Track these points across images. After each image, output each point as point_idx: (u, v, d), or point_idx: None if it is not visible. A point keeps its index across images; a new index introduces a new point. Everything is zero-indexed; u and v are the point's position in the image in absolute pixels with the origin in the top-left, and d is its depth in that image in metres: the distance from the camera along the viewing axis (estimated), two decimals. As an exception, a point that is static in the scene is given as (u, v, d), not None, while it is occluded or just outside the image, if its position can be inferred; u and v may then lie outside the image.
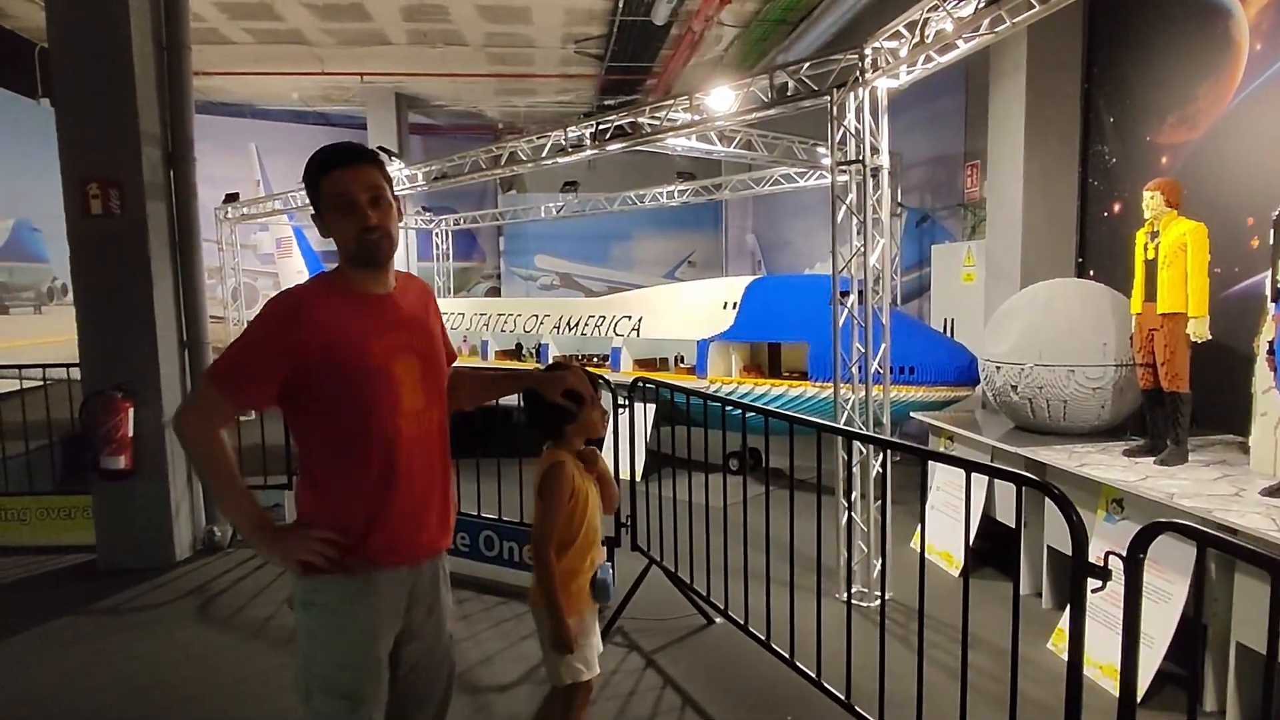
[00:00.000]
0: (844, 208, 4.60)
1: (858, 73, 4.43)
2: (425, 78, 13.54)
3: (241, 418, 2.37)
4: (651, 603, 4.48)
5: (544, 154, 6.73)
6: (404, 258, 14.48)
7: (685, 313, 7.75)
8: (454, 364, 2.32)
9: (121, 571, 5.37)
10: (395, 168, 9.27)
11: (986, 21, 3.72)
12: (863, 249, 4.51)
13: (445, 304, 11.55)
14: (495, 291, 17.35)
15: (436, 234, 14.51)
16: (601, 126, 6.05)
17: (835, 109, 4.53)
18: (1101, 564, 1.98)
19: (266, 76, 13.10)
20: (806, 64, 4.78)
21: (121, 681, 3.93)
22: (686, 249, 17.90)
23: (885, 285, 4.66)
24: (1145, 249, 4.24)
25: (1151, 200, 4.17)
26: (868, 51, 4.37)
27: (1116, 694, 1.88)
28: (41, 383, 6.89)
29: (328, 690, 1.99)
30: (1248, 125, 4.75)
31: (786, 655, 3.58)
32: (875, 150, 4.53)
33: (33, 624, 4.62)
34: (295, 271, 14.28)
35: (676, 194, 10.85)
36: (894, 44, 4.30)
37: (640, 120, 5.85)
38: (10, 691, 3.88)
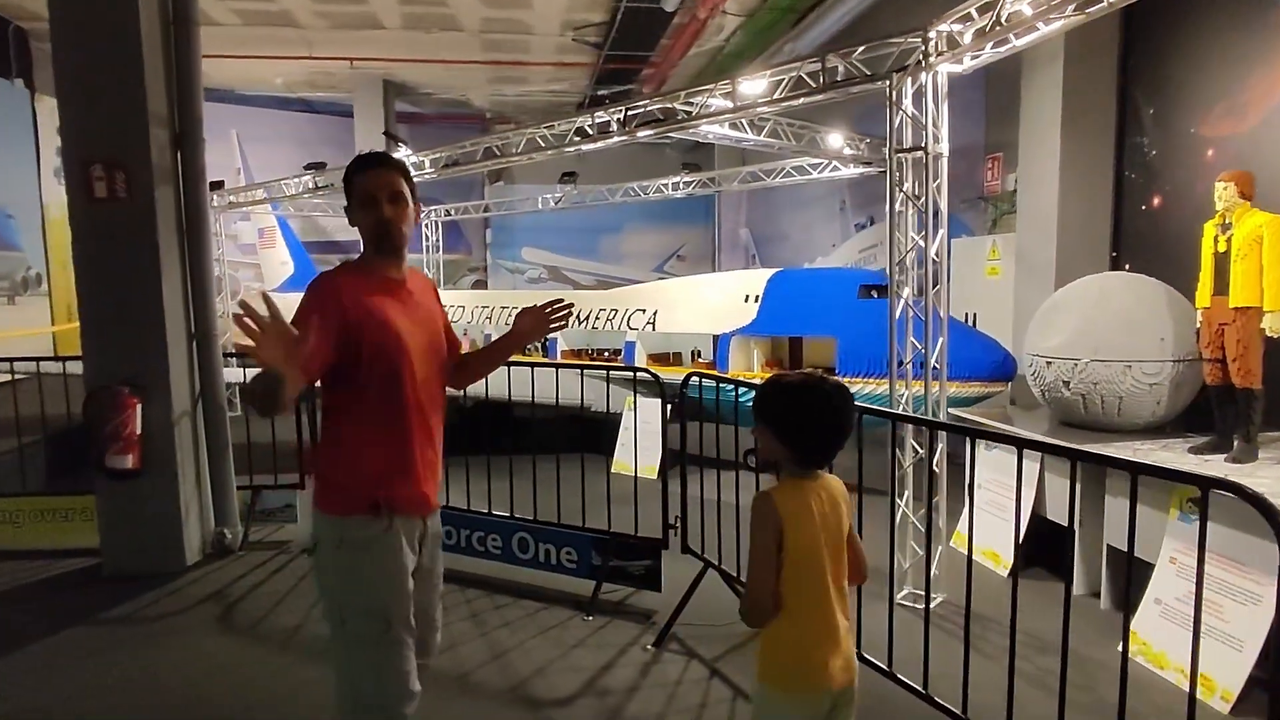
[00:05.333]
0: (901, 195, 4.44)
1: (920, 56, 4.27)
2: (416, 64, 13.18)
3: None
4: (706, 608, 4.28)
5: (566, 140, 6.50)
6: (392, 249, 14.07)
7: (704, 306, 7.57)
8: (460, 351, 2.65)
9: (129, 577, 5.06)
10: (403, 153, 8.95)
11: (1072, 6, 3.57)
12: (924, 239, 4.36)
13: (447, 296, 11.26)
14: (482, 284, 17.04)
15: (425, 225, 14.14)
16: (632, 112, 5.83)
17: (894, 94, 4.37)
18: None
19: (251, 60, 12.63)
20: (861, 48, 4.61)
21: (147, 698, 3.65)
22: (676, 243, 17.74)
23: (943, 278, 4.51)
24: (1216, 241, 4.14)
25: (1224, 191, 4.07)
26: (931, 35, 4.21)
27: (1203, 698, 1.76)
28: (11, 377, 6.46)
29: (364, 614, 2.27)
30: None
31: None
32: (935, 137, 4.37)
33: (41, 635, 4.30)
34: (279, 262, 13.87)
35: (682, 185, 10.63)
36: (960, 27, 4.14)
37: (675, 106, 5.64)
38: (25, 713, 3.58)
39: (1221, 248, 4.10)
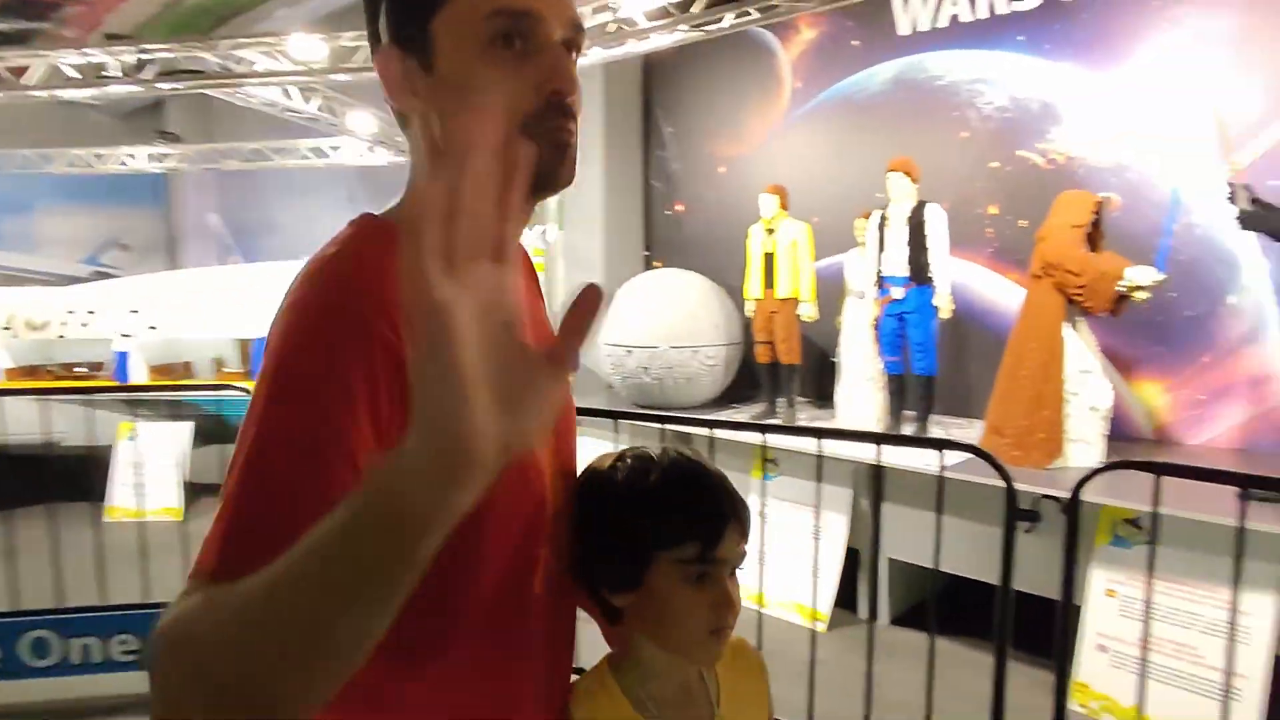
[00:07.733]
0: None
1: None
2: None
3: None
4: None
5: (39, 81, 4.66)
6: None
7: (233, 304, 6.30)
8: None
9: None
10: None
11: (686, 25, 3.85)
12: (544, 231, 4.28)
13: None
14: None
15: None
16: (147, 57, 4.45)
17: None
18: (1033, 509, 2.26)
19: None
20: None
21: None
22: (114, 228, 14.48)
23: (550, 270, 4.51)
24: (764, 244, 4.92)
25: (769, 203, 4.86)
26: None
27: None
28: None
29: None
30: (791, 144, 5.84)
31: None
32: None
33: None
34: None
35: (161, 157, 8.71)
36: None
37: (209, 56, 4.52)
38: None
39: (769, 249, 4.90)
